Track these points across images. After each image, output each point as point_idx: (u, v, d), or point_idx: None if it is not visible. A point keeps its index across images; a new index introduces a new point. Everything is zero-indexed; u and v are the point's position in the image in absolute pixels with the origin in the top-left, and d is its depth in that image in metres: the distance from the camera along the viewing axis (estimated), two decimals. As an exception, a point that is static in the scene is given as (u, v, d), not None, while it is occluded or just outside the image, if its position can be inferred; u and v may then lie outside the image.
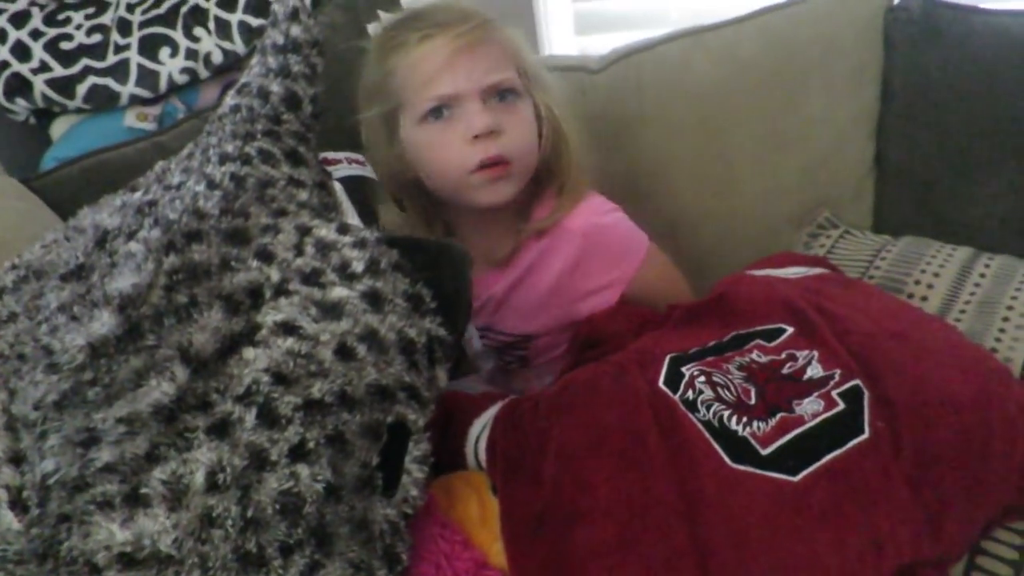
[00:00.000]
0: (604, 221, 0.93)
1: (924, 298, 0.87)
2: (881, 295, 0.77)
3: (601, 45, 1.20)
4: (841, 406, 0.59)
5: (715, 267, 0.99)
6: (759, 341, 0.66)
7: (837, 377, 0.61)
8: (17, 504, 0.57)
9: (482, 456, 0.66)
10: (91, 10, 1.20)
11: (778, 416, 0.59)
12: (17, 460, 0.58)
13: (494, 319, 0.97)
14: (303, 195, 0.67)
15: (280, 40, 0.73)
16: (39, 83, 1.16)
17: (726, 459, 0.57)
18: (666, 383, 0.62)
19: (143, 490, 0.50)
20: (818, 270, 0.79)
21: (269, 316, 0.56)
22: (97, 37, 1.17)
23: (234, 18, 1.19)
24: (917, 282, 0.89)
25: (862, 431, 0.58)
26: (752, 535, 0.55)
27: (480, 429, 0.68)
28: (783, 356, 0.64)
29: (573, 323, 0.91)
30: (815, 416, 0.59)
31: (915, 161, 1.04)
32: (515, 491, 0.61)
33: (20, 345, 0.61)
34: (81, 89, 1.17)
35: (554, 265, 0.91)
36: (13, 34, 1.17)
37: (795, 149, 1.07)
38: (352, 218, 0.73)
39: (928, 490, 0.58)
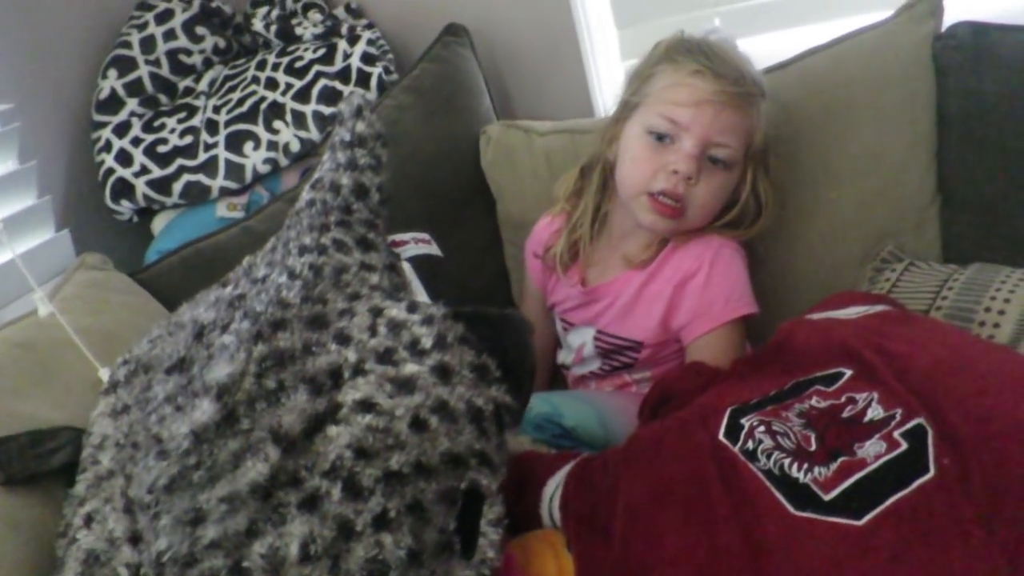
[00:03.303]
0: (736, 260, 0.99)
1: (996, 325, 0.86)
2: (943, 329, 0.77)
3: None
4: (904, 446, 0.59)
5: (776, 310, 1.00)
6: (818, 386, 0.66)
7: (899, 417, 0.62)
8: (137, 580, 0.63)
9: (556, 515, 0.69)
10: (183, 115, 1.32)
11: (839, 460, 0.59)
12: (135, 540, 0.64)
13: (614, 322, 1.02)
14: (374, 278, 0.73)
15: (347, 136, 0.80)
16: (141, 185, 1.28)
17: (788, 507, 0.58)
18: (726, 435, 0.64)
19: (245, 563, 0.55)
20: (879, 307, 0.79)
21: (349, 395, 0.61)
22: (189, 139, 1.28)
23: (308, 109, 1.28)
24: (987, 309, 0.87)
25: (927, 470, 0.58)
26: (819, 580, 0.55)
27: (554, 488, 0.71)
28: (843, 400, 0.64)
29: (673, 339, 0.98)
30: (878, 458, 0.59)
31: (979, 185, 1.03)
32: (588, 547, 0.64)
33: (134, 434, 0.68)
34: (177, 186, 1.28)
35: (676, 274, 0.98)
36: (117, 143, 1.29)
37: (849, 185, 1.07)
38: (421, 295, 0.78)
39: (1003, 527, 0.57)
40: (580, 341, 1.07)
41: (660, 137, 0.94)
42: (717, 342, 0.95)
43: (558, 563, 0.65)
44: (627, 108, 1.01)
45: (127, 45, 1.34)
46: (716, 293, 0.97)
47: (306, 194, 0.81)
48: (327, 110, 1.28)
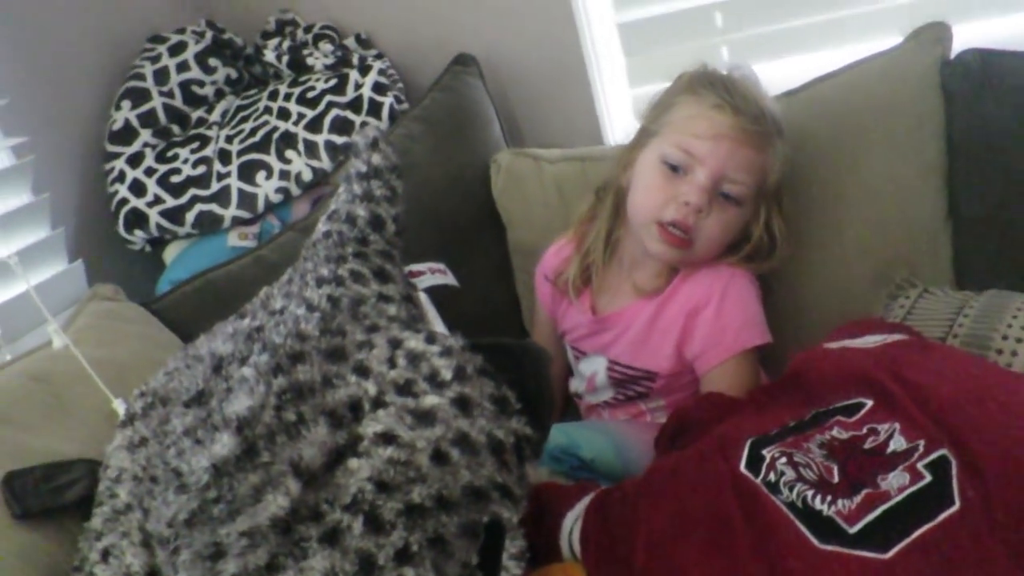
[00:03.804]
0: (749, 290, 0.99)
1: (1014, 352, 0.86)
2: (963, 357, 0.76)
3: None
4: (928, 478, 0.59)
5: (789, 336, 1.00)
6: (839, 417, 0.66)
7: (921, 448, 0.61)
8: (155, 616, 0.63)
9: (576, 547, 0.69)
10: (196, 145, 1.33)
11: (863, 492, 0.59)
12: (153, 575, 0.64)
13: (626, 352, 1.02)
14: (392, 309, 0.73)
15: (363, 168, 0.81)
16: (154, 215, 1.29)
17: (812, 540, 0.57)
18: (748, 467, 0.64)
19: (266, 598, 0.55)
20: (896, 336, 0.79)
21: (369, 427, 0.60)
22: (202, 169, 1.29)
23: (320, 139, 1.29)
24: (1004, 337, 0.87)
25: (952, 502, 0.58)
26: (846, 614, 0.55)
27: (573, 521, 0.70)
28: (864, 431, 0.64)
29: (688, 369, 0.98)
30: (901, 490, 0.59)
31: (989, 210, 1.03)
32: (610, 580, 0.63)
33: (152, 468, 0.68)
34: (190, 216, 1.29)
35: (688, 303, 0.98)
36: (130, 174, 1.30)
37: (860, 211, 1.07)
38: (438, 325, 0.78)
39: (1031, 558, 0.57)
40: (592, 370, 1.07)
41: (674, 168, 0.95)
42: (730, 372, 0.95)
43: (579, 596, 0.65)
44: (645, 135, 1.01)
45: (140, 77, 1.35)
46: (728, 323, 0.96)
47: (322, 225, 0.81)
48: (339, 139, 1.29)
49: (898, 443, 0.62)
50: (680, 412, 0.83)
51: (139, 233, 1.30)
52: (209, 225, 1.29)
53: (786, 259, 1.02)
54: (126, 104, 1.34)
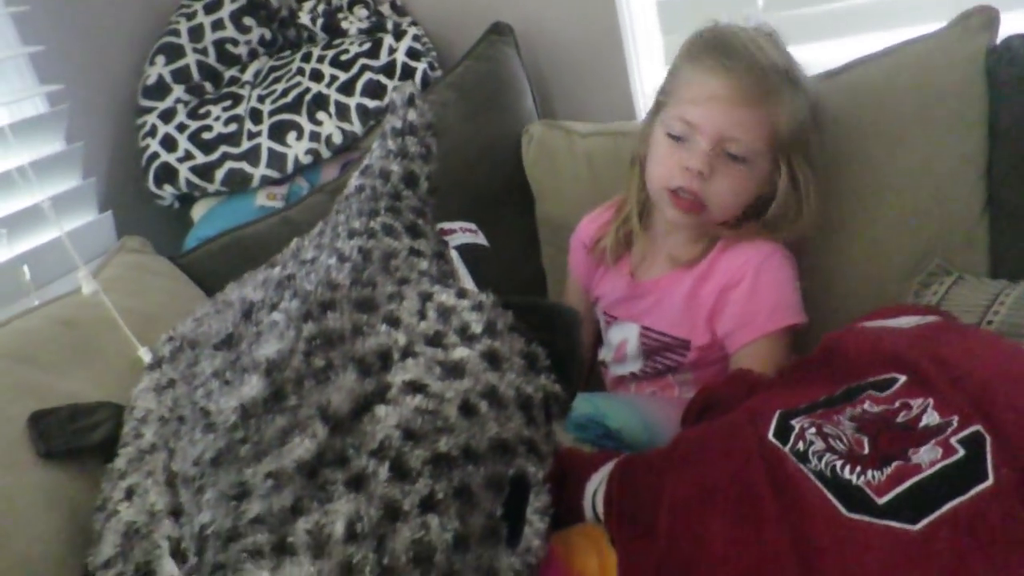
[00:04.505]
0: (785, 269, 0.98)
1: (1050, 343, 0.84)
2: (999, 340, 0.75)
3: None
4: (961, 452, 0.58)
5: (819, 322, 0.98)
6: (871, 392, 0.65)
7: (955, 423, 0.60)
8: (177, 554, 0.63)
9: (599, 510, 0.68)
10: (228, 103, 1.33)
11: (893, 465, 0.58)
12: (176, 513, 0.64)
13: (661, 320, 1.02)
14: (423, 264, 0.73)
15: (398, 125, 0.80)
16: (184, 170, 1.29)
17: (841, 509, 0.56)
18: (776, 435, 0.63)
19: (289, 539, 0.55)
20: (931, 319, 0.78)
21: (398, 376, 0.60)
22: (233, 127, 1.29)
23: (352, 102, 1.29)
24: (1041, 327, 0.86)
25: (986, 477, 0.56)
26: (871, 584, 0.54)
27: (597, 484, 0.70)
28: (896, 405, 0.63)
29: (719, 345, 0.97)
30: (933, 464, 0.58)
31: (1030, 202, 1.01)
32: (632, 544, 0.63)
33: (179, 408, 0.68)
34: (219, 174, 1.29)
35: (722, 278, 0.97)
36: (162, 129, 1.30)
37: (895, 199, 1.05)
38: (468, 283, 0.78)
39: (1063, 539, 0.56)
40: (623, 336, 1.06)
41: (677, 138, 0.95)
42: (762, 352, 0.94)
43: (600, 559, 0.64)
44: (657, 106, 1.02)
45: (175, 33, 1.36)
46: (761, 303, 0.96)
47: (355, 180, 0.81)
48: (371, 103, 1.29)
49: (931, 418, 0.61)
50: (708, 388, 0.82)
51: (168, 188, 1.31)
52: (238, 183, 1.29)
53: (817, 221, 1.00)
54: (160, 59, 1.34)
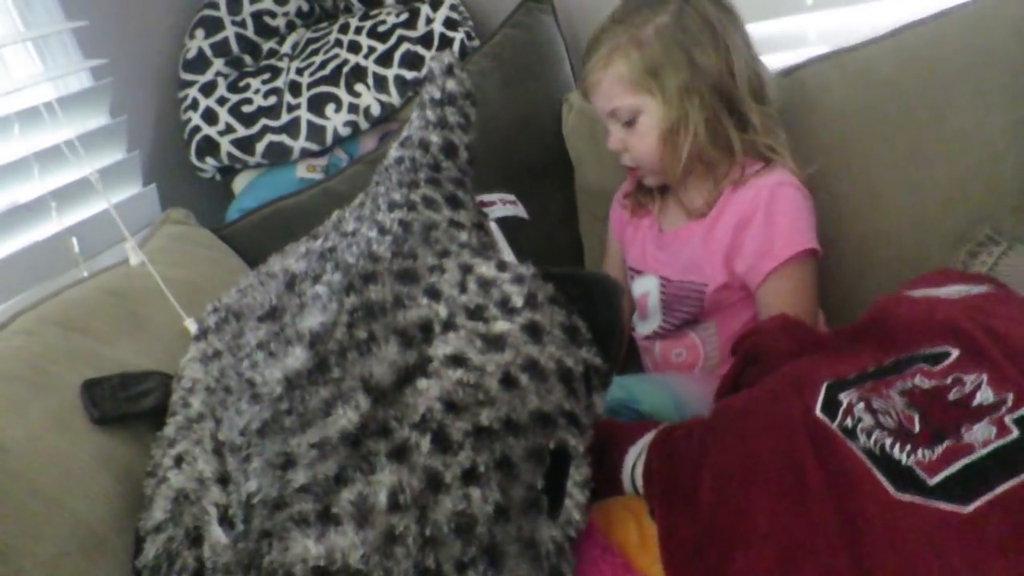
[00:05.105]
0: (796, 197, 0.97)
1: (1109, 316, 0.81)
2: (1056, 314, 0.72)
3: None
4: (1015, 433, 0.56)
5: (860, 290, 0.96)
6: (922, 365, 0.63)
7: (1010, 402, 0.59)
8: (225, 521, 0.64)
9: (639, 482, 0.68)
10: (267, 76, 1.33)
11: (945, 444, 0.57)
12: (224, 481, 0.65)
13: (679, 271, 1.03)
14: (463, 236, 0.73)
15: (437, 94, 0.80)
16: (225, 143, 1.30)
17: (890, 489, 0.55)
18: (823, 411, 0.62)
19: (334, 509, 0.55)
20: (982, 288, 0.75)
21: (439, 349, 0.61)
22: (273, 100, 1.30)
23: (390, 73, 1.28)
24: (1099, 299, 0.82)
25: (1041, 459, 0.55)
26: (920, 565, 0.53)
27: (636, 456, 0.70)
28: (949, 381, 0.61)
29: (738, 284, 0.98)
30: (986, 443, 0.56)
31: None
32: (672, 516, 0.63)
33: (225, 379, 0.69)
34: (260, 146, 1.30)
35: (733, 218, 0.98)
36: (203, 102, 1.31)
37: (942, 165, 1.02)
38: (508, 255, 0.77)
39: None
40: (644, 290, 1.07)
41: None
42: (784, 283, 0.94)
43: (640, 530, 0.64)
44: None
45: (214, 6, 1.36)
46: (776, 231, 0.95)
47: (395, 151, 0.81)
48: (408, 74, 1.28)
49: (985, 395, 0.59)
50: (754, 333, 0.78)
51: (210, 161, 1.32)
52: (278, 156, 1.30)
53: (774, 130, 1.00)
54: (200, 33, 1.35)
